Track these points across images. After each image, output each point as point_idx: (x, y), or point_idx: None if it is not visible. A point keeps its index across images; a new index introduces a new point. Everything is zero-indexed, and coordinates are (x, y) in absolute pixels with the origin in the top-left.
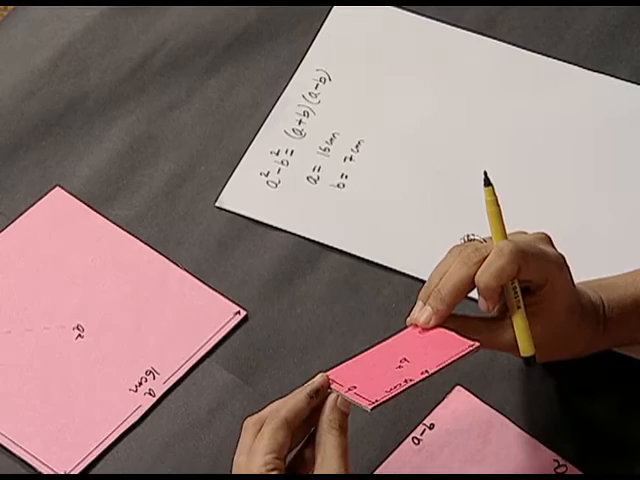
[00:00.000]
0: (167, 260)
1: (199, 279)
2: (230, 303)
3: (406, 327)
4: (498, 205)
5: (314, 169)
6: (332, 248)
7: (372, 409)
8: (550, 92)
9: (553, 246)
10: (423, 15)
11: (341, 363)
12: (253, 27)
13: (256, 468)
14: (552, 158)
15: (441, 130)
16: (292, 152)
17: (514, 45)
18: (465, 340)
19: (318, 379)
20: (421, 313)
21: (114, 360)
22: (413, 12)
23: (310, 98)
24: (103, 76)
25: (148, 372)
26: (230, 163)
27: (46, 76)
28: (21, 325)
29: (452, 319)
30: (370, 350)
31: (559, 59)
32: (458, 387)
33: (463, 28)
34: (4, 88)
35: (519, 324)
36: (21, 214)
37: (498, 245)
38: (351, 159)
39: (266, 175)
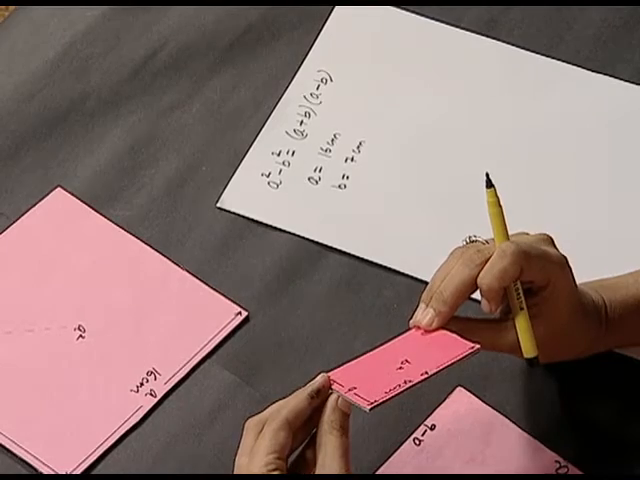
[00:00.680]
0: (168, 261)
1: (200, 279)
2: (231, 304)
3: (409, 329)
4: (500, 206)
5: (315, 170)
6: (333, 249)
7: (370, 409)
8: (551, 93)
9: (555, 247)
10: (425, 16)
11: (343, 364)
12: (254, 27)
13: (257, 469)
14: (553, 159)
15: (442, 131)
16: (293, 153)
17: (515, 46)
18: (466, 342)
19: (319, 379)
20: (423, 315)
21: (115, 361)
22: (415, 12)
23: (311, 99)
24: (104, 76)
25: (149, 373)
26: (231, 163)
27: (47, 76)
28: (22, 325)
29: (455, 321)
30: (372, 352)
31: (560, 60)
32: (459, 388)
33: (464, 29)
34: (5, 88)
35: (522, 325)
36: (22, 215)
37: (501, 246)
38: (352, 160)
39: (267, 176)
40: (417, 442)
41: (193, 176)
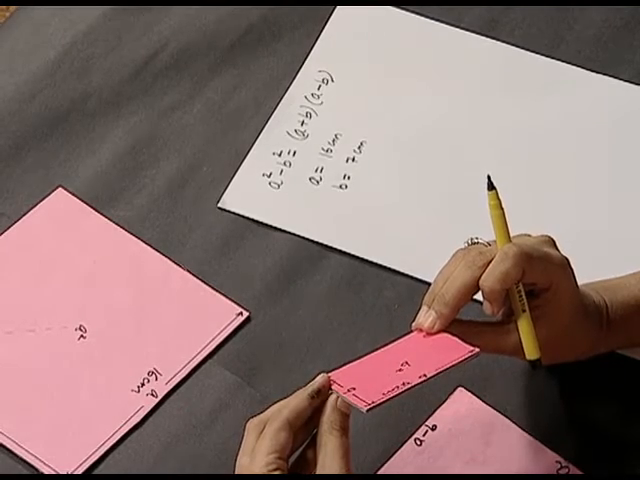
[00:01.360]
0: (169, 261)
1: (201, 280)
2: (232, 304)
3: (410, 331)
4: (502, 208)
5: (316, 170)
6: (334, 249)
7: (367, 410)
8: (552, 93)
9: (557, 249)
10: (425, 16)
11: (344, 364)
12: (256, 28)
13: (258, 468)
14: (553, 159)
15: (443, 131)
16: (294, 153)
17: (516, 46)
18: (466, 345)
19: (319, 380)
20: (425, 318)
21: (116, 361)
22: (416, 13)
23: (312, 99)
24: (105, 77)
25: (150, 373)
26: (232, 164)
27: (48, 77)
28: (23, 325)
29: (457, 324)
30: (373, 353)
31: (561, 60)
32: (460, 388)
33: (465, 29)
34: (6, 88)
35: (524, 327)
36: (23, 215)
37: (503, 249)
38: (353, 160)
39: (268, 176)
40: (418, 442)
41: (194, 176)
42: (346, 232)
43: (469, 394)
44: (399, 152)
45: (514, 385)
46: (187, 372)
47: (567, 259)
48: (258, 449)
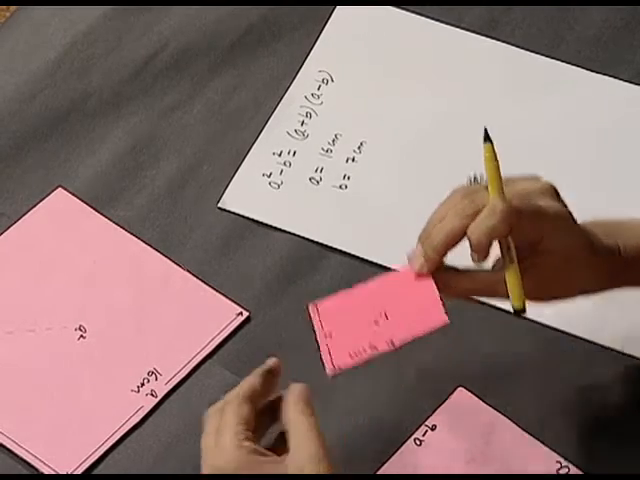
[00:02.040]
0: (169, 261)
1: (201, 280)
2: (232, 304)
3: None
4: (497, 160)
5: (316, 170)
6: (334, 249)
7: (332, 376)
8: (552, 93)
9: (557, 198)
10: (426, 16)
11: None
12: (256, 28)
13: (229, 440)
14: (554, 160)
15: (443, 131)
16: (294, 153)
17: (516, 46)
18: (441, 312)
19: (270, 362)
20: (415, 259)
21: (116, 361)
22: (416, 13)
23: (312, 99)
24: (106, 77)
25: (150, 373)
26: (233, 164)
27: (49, 77)
28: (23, 325)
29: (455, 271)
30: (364, 285)
31: (561, 60)
32: (460, 388)
33: (465, 29)
34: (6, 89)
35: (511, 279)
36: (23, 215)
37: (492, 202)
38: (353, 160)
39: (268, 176)
40: (418, 442)
41: (194, 176)
42: (346, 232)
43: (469, 394)
44: (399, 152)
45: (514, 385)
46: (187, 372)
47: (566, 208)
48: (223, 425)
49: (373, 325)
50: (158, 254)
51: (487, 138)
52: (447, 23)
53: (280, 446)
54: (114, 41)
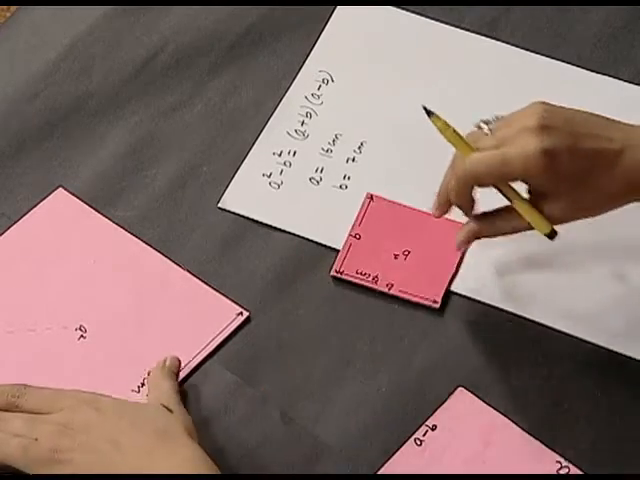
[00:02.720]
0: (169, 261)
1: (201, 280)
2: (232, 304)
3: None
4: (450, 126)
5: (316, 170)
6: (334, 249)
7: (332, 277)
8: (553, 94)
9: (541, 131)
10: (426, 16)
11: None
12: (256, 28)
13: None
14: None
15: None
16: (294, 153)
17: (516, 46)
18: (436, 295)
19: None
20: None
21: (116, 361)
22: (416, 13)
23: (313, 99)
24: (106, 77)
25: (150, 373)
26: (233, 164)
27: (49, 77)
28: (23, 325)
29: (475, 219)
30: (420, 211)
31: (562, 60)
32: (460, 388)
33: (465, 29)
34: (7, 89)
35: (525, 212)
36: (24, 215)
37: (455, 167)
38: (354, 160)
39: (269, 176)
40: (418, 442)
41: (194, 176)
42: (346, 232)
43: (469, 394)
44: (399, 152)
45: (514, 385)
46: (187, 372)
47: (544, 147)
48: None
49: (392, 258)
50: (158, 254)
51: (429, 113)
52: (447, 23)
53: None
54: (114, 41)
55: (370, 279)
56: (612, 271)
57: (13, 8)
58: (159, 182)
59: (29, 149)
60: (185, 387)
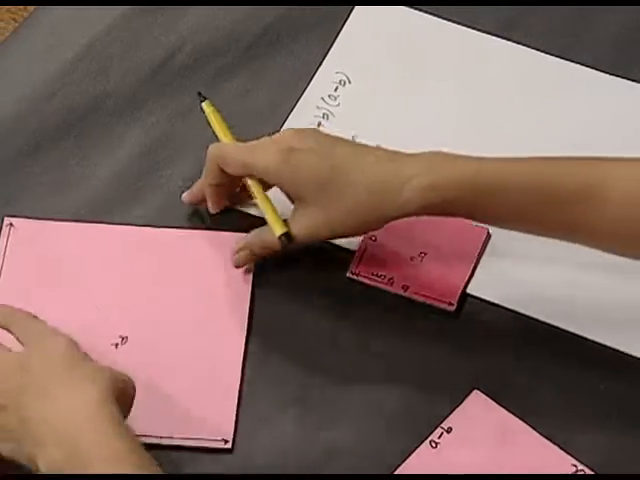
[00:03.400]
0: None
1: None
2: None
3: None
4: (218, 111)
5: None
6: (350, 251)
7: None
8: (568, 96)
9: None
10: (442, 17)
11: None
12: (273, 28)
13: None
14: None
15: (460, 132)
16: None
17: (532, 48)
18: (450, 297)
19: None
20: None
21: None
22: (433, 14)
23: (329, 100)
24: (123, 77)
25: None
26: None
27: (66, 77)
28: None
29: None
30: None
31: (578, 62)
32: (476, 391)
33: (481, 30)
34: (25, 89)
35: (265, 208)
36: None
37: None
38: None
39: None
40: (433, 445)
41: None
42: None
43: (485, 397)
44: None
45: (530, 388)
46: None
47: (290, 146)
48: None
49: (408, 260)
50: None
51: (202, 98)
52: (463, 24)
53: None
54: (132, 41)
55: (386, 281)
56: (635, 276)
57: (31, 8)
58: (175, 182)
59: (47, 148)
60: None
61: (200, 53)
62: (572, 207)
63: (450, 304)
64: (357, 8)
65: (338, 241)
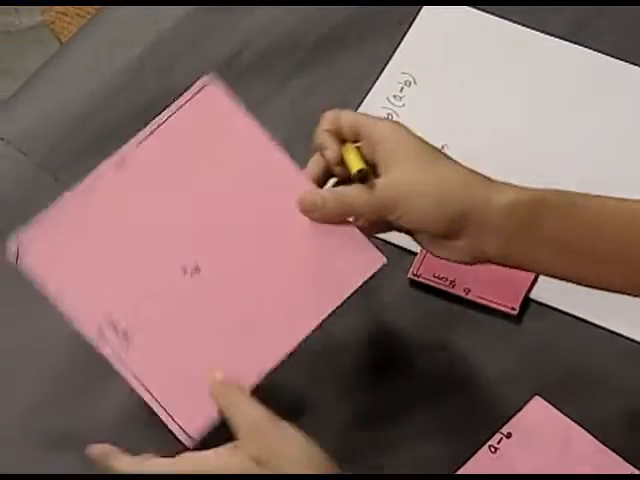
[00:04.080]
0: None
1: None
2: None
3: None
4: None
5: None
6: (412, 252)
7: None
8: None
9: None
10: (510, 19)
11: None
12: (340, 28)
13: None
14: None
15: (524, 136)
16: None
17: (604, 53)
18: (513, 297)
19: None
20: None
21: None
22: (500, 16)
23: (394, 101)
24: (188, 75)
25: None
26: None
27: (133, 73)
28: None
29: None
30: None
31: None
32: (537, 397)
33: (550, 33)
34: (92, 85)
35: (347, 151)
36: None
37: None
38: None
39: None
40: (493, 449)
41: None
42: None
43: (546, 403)
44: (480, 155)
45: (592, 396)
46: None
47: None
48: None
49: None
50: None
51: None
52: (530, 27)
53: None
54: (197, 40)
55: (447, 283)
56: None
57: (99, 7)
58: None
59: (113, 144)
60: None
61: (266, 52)
62: None
63: (512, 308)
64: (425, 9)
65: (399, 241)
